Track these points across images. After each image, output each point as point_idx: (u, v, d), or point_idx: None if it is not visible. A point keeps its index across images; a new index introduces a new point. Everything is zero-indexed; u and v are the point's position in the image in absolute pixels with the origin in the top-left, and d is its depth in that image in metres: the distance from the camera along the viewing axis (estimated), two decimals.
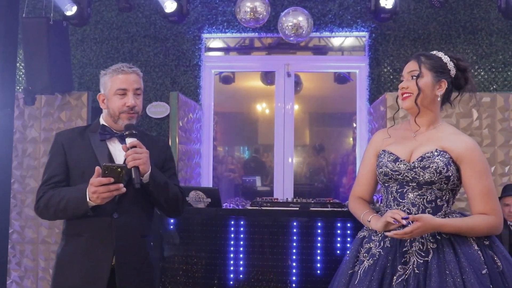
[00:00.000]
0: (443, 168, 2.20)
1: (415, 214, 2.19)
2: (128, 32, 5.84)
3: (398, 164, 2.28)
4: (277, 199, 4.46)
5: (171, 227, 3.73)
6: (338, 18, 5.65)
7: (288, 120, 5.86)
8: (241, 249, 3.66)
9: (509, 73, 5.41)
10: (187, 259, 3.68)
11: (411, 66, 2.35)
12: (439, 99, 2.33)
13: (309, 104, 8.68)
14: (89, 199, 2.15)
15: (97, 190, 2.10)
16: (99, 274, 2.26)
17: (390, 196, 2.33)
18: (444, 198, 2.25)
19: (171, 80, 5.77)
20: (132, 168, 2.17)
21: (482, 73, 5.44)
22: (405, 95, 2.33)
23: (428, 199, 2.24)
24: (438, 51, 2.38)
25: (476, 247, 2.14)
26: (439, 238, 2.17)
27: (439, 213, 2.21)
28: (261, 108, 8.95)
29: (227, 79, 6.80)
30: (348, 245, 3.44)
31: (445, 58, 2.34)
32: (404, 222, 2.10)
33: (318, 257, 3.59)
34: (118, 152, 2.36)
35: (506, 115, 4.95)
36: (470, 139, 2.30)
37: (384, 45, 5.59)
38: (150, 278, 2.45)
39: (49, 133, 5.22)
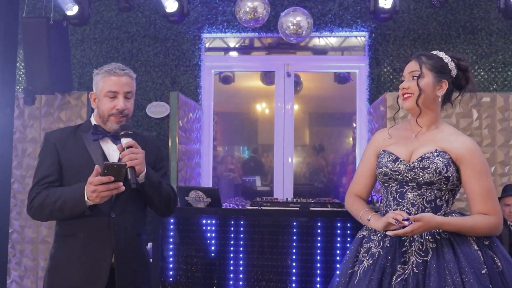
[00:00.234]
0: (443, 169, 2.20)
1: (414, 213, 2.20)
2: (128, 32, 5.84)
3: (398, 164, 2.29)
4: (277, 199, 4.47)
5: (171, 226, 3.73)
6: (338, 18, 5.66)
7: (288, 120, 5.87)
8: (241, 249, 3.66)
9: (509, 73, 5.42)
10: (186, 258, 3.69)
11: (412, 66, 2.35)
12: (440, 99, 2.33)
13: (309, 104, 8.69)
14: (87, 198, 2.14)
15: (96, 189, 2.09)
16: (98, 274, 2.27)
17: (389, 196, 2.33)
18: (443, 198, 2.26)
19: (171, 80, 5.78)
20: (128, 168, 2.17)
21: (482, 73, 5.45)
22: (406, 95, 2.33)
23: (427, 199, 2.24)
24: (439, 51, 2.38)
25: (475, 247, 2.14)
26: (439, 238, 2.17)
27: (439, 213, 2.22)
28: (261, 108, 8.96)
29: (227, 79, 6.80)
30: (348, 245, 3.44)
31: (446, 58, 2.34)
32: (406, 223, 2.10)
33: (318, 257, 3.59)
34: (111, 151, 2.37)
35: (506, 115, 4.95)
36: (470, 139, 2.30)
37: (384, 45, 5.60)
38: (146, 275, 2.49)
39: None
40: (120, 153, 2.23)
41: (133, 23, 5.83)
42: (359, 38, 5.96)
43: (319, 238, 3.60)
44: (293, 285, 3.59)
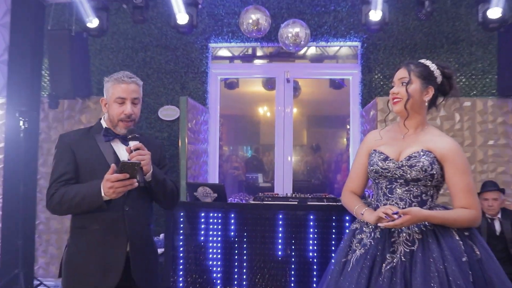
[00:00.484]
0: (428, 167, 2.21)
1: (403, 207, 2.22)
2: (142, 42, 5.85)
3: (388, 163, 2.30)
4: (277, 194, 4.47)
5: (181, 219, 3.74)
6: (333, 29, 5.66)
7: (287, 122, 5.87)
8: (245, 239, 3.67)
9: (487, 80, 5.42)
10: (195, 248, 3.70)
11: (402, 73, 2.35)
12: (426, 104, 2.34)
13: (306, 107, 8.69)
14: (104, 194, 2.15)
15: (113, 185, 2.11)
16: (116, 261, 2.29)
17: (380, 191, 2.34)
18: (428, 193, 2.27)
19: (181, 86, 5.79)
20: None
21: (463, 80, 5.45)
22: (395, 100, 2.34)
23: (414, 194, 2.26)
24: (426, 60, 2.38)
25: (457, 238, 2.16)
26: (424, 229, 2.19)
27: (424, 207, 2.23)
28: (263, 111, 8.96)
29: (231, 85, 6.82)
30: (342, 236, 3.45)
31: (432, 67, 2.34)
32: (395, 217, 2.12)
33: (315, 247, 3.60)
34: (121, 151, 2.38)
35: (485, 118, 4.97)
36: (453, 140, 2.31)
37: (375, 54, 5.60)
38: (155, 260, 2.54)
39: None
40: (129, 154, 2.25)
41: (146, 34, 5.85)
42: (352, 47, 5.97)
43: (316, 230, 3.61)
44: (292, 272, 3.61)
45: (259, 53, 6.41)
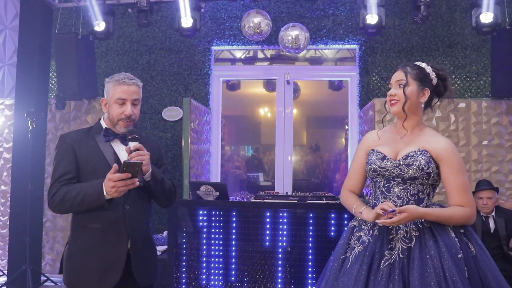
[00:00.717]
0: (425, 166, 2.21)
1: (400, 205, 2.21)
2: (146, 45, 5.86)
3: (385, 162, 2.30)
4: (278, 193, 4.47)
5: (184, 217, 3.74)
6: (332, 32, 5.67)
7: (287, 122, 5.88)
8: (246, 237, 3.67)
9: (481, 82, 5.43)
10: (197, 245, 3.70)
11: (398, 75, 2.35)
12: (422, 105, 2.34)
13: (306, 108, 8.69)
14: (106, 193, 2.15)
15: (115, 184, 2.10)
16: (117, 258, 2.29)
17: (378, 190, 2.34)
18: (425, 192, 2.27)
19: (184, 87, 5.80)
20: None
21: (458, 82, 5.46)
22: (393, 102, 2.34)
23: (411, 193, 2.26)
24: (422, 63, 2.38)
25: (453, 235, 2.16)
26: (421, 227, 2.19)
27: (421, 205, 2.23)
28: (264, 112, 8.95)
29: (233, 86, 6.83)
30: (341, 233, 3.45)
31: (428, 69, 2.34)
32: (391, 215, 2.12)
33: (314, 244, 3.60)
34: (121, 151, 2.37)
35: (479, 119, 4.97)
36: (448, 140, 2.31)
37: (372, 57, 5.61)
38: (154, 257, 2.54)
39: None
40: (128, 155, 2.24)
41: (150, 37, 5.86)
42: (350, 50, 5.97)
43: (315, 228, 3.61)
44: (292, 269, 3.60)
45: (260, 55, 6.41)
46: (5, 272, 5.16)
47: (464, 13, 5.44)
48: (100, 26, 4.97)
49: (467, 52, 5.46)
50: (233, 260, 3.66)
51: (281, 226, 3.62)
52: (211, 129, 5.82)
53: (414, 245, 2.14)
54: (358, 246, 2.25)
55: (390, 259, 2.14)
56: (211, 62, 5.87)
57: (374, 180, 2.36)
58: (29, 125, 4.76)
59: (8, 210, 5.32)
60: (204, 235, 3.68)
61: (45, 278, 5.04)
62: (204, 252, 3.66)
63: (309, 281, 3.57)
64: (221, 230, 3.69)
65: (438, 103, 2.43)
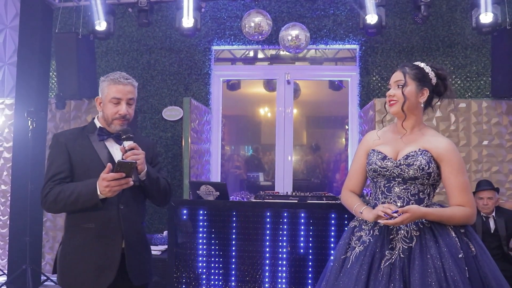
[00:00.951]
0: (425, 166, 2.21)
1: (400, 205, 2.21)
2: (147, 44, 5.86)
3: (386, 162, 2.30)
4: (278, 192, 4.47)
5: (185, 217, 3.74)
6: (332, 32, 5.67)
7: (287, 122, 5.88)
8: (246, 236, 3.67)
9: (481, 82, 5.43)
10: (197, 245, 3.70)
11: (397, 76, 2.35)
12: (422, 105, 2.34)
13: (306, 108, 8.69)
14: (100, 193, 2.13)
15: (109, 184, 2.09)
16: (112, 258, 2.28)
17: (378, 190, 2.34)
18: (425, 192, 2.27)
19: (184, 87, 5.80)
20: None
21: (458, 82, 5.46)
22: (391, 102, 2.34)
23: (412, 193, 2.25)
24: (421, 62, 2.38)
25: (453, 235, 2.16)
26: (422, 226, 2.19)
27: (422, 205, 2.23)
28: (264, 112, 8.95)
29: (233, 86, 6.83)
30: (341, 233, 3.45)
31: (427, 69, 2.34)
32: (395, 215, 2.12)
33: (314, 244, 3.60)
34: (115, 150, 2.36)
35: (480, 119, 4.97)
36: (448, 140, 2.31)
37: (373, 57, 5.61)
38: (148, 256, 2.52)
39: None
40: (123, 154, 2.23)
41: (151, 37, 5.86)
42: (351, 50, 5.97)
43: (315, 228, 3.60)
44: (292, 269, 3.60)
45: (260, 55, 6.42)
46: (5, 271, 5.16)
47: (464, 13, 5.44)
48: (101, 25, 4.96)
49: (467, 52, 5.47)
50: (233, 260, 3.65)
51: (281, 226, 3.62)
52: (211, 129, 5.82)
53: (415, 245, 2.14)
54: (359, 246, 2.24)
55: (390, 259, 2.14)
56: (212, 62, 5.87)
57: (375, 180, 2.36)
58: (29, 124, 4.76)
59: (8, 210, 5.32)
60: (204, 235, 3.68)
61: (45, 278, 5.04)
62: (204, 252, 3.66)
63: (309, 281, 3.57)
64: (221, 230, 3.69)
65: (439, 103, 2.43)
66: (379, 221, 2.19)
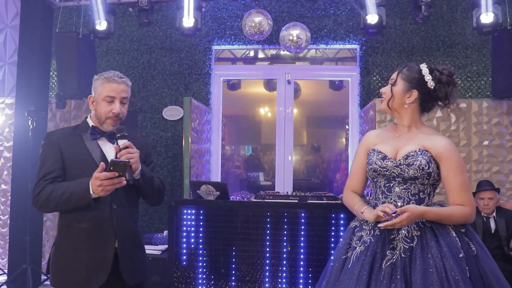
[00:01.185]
0: (425, 165, 2.21)
1: (400, 205, 2.21)
2: (147, 44, 5.86)
3: (386, 162, 2.30)
4: (278, 192, 4.47)
5: (184, 217, 3.74)
6: (333, 32, 5.67)
7: (288, 122, 5.88)
8: (246, 236, 3.67)
9: (482, 82, 5.43)
10: (198, 245, 3.70)
11: (393, 75, 2.40)
12: (406, 105, 2.33)
13: (307, 108, 8.70)
14: (92, 192, 2.13)
15: (102, 183, 2.08)
16: (105, 258, 2.27)
17: (378, 190, 2.34)
18: (426, 192, 2.27)
19: (185, 87, 5.80)
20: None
21: (459, 82, 5.45)
22: (382, 98, 2.42)
23: (412, 193, 2.26)
24: (424, 64, 2.34)
25: (454, 234, 2.16)
26: (422, 226, 2.19)
27: (422, 205, 2.23)
28: (264, 111, 8.96)
29: (234, 86, 6.82)
30: (341, 233, 3.45)
31: (425, 71, 2.31)
32: (393, 215, 2.12)
33: (315, 244, 3.60)
34: (108, 149, 2.35)
35: (480, 119, 4.97)
36: (447, 139, 2.31)
37: (373, 57, 5.61)
38: (143, 256, 2.51)
39: None
40: (117, 153, 2.22)
41: (151, 37, 5.86)
42: (351, 50, 5.97)
43: (315, 227, 3.61)
44: (292, 269, 3.61)
45: (260, 55, 6.42)
46: (6, 271, 5.17)
47: (465, 13, 5.44)
48: (101, 25, 4.96)
49: (468, 52, 5.47)
50: (233, 260, 3.66)
51: (281, 226, 3.62)
52: (212, 129, 5.82)
53: (416, 245, 2.14)
54: (360, 246, 2.24)
55: (392, 259, 2.14)
56: (212, 62, 5.87)
57: (375, 180, 2.36)
58: (29, 124, 4.77)
59: (9, 209, 5.32)
60: (205, 235, 3.68)
61: (45, 277, 5.04)
62: (205, 252, 3.66)
63: (310, 281, 3.57)
64: (222, 230, 3.69)
65: (445, 107, 2.40)
66: (379, 225, 2.19)
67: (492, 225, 4.22)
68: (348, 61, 6.11)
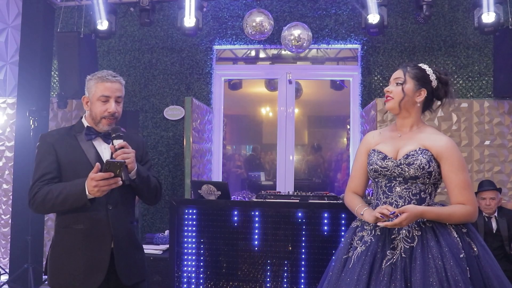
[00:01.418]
0: (426, 165, 2.21)
1: (402, 205, 2.21)
2: (148, 44, 5.86)
3: (386, 162, 2.30)
4: (279, 192, 4.46)
5: (186, 216, 3.74)
6: (334, 32, 5.67)
7: (289, 122, 5.88)
8: (247, 236, 3.67)
9: (483, 82, 5.42)
10: (199, 245, 3.70)
11: (397, 74, 2.37)
12: (418, 105, 2.34)
13: (308, 108, 8.69)
14: (88, 192, 2.12)
15: (98, 184, 2.08)
16: (101, 259, 2.27)
17: (379, 190, 2.34)
18: (427, 191, 2.27)
19: (186, 87, 5.80)
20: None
21: (460, 82, 5.45)
22: (388, 98, 2.37)
23: (413, 192, 2.25)
24: (424, 64, 2.39)
25: (455, 234, 2.15)
26: (423, 226, 2.19)
27: (423, 204, 2.23)
28: (265, 111, 8.96)
29: (235, 86, 6.83)
30: (342, 233, 3.45)
31: (428, 70, 2.35)
32: (392, 216, 2.12)
33: (316, 244, 3.60)
34: (103, 150, 2.35)
35: (482, 119, 4.96)
36: (448, 138, 2.31)
37: (374, 56, 5.61)
38: (141, 256, 2.50)
39: None
40: (113, 153, 2.22)
41: (152, 36, 5.86)
42: (352, 49, 5.97)
43: (316, 227, 3.61)
44: (293, 269, 3.61)
45: (262, 55, 6.42)
46: (7, 270, 5.17)
47: (466, 13, 5.44)
48: (103, 25, 4.97)
49: (469, 52, 5.46)
50: (235, 260, 3.66)
51: (282, 226, 3.62)
52: (213, 128, 5.82)
53: (416, 245, 2.14)
54: (361, 246, 2.25)
55: (392, 259, 2.14)
56: (213, 61, 5.87)
57: (376, 180, 2.36)
58: (31, 123, 4.77)
59: (10, 209, 5.33)
60: (206, 234, 3.68)
61: (46, 277, 5.05)
62: (206, 251, 3.66)
63: (311, 281, 3.57)
64: (223, 230, 3.69)
65: (440, 106, 2.43)
66: (378, 223, 2.19)
67: (494, 225, 4.22)
68: (349, 60, 6.11)
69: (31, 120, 4.76)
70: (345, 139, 8.15)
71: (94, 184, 2.08)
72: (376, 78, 5.60)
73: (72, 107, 5.60)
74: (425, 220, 2.19)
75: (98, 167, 2.09)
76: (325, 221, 3.59)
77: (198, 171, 5.04)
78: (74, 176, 2.23)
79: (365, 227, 2.32)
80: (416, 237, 2.16)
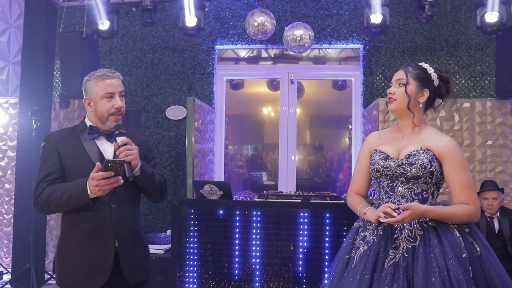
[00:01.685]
0: (428, 164, 2.21)
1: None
2: (150, 44, 5.87)
3: (388, 162, 2.30)
4: (281, 192, 4.46)
5: (188, 216, 3.75)
6: (336, 31, 5.66)
7: (291, 122, 5.88)
8: (249, 236, 3.67)
9: (486, 82, 5.41)
10: (201, 244, 3.70)
11: (399, 75, 2.37)
12: (421, 105, 2.34)
13: (310, 108, 8.67)
14: (90, 192, 2.12)
15: (99, 183, 2.08)
16: (105, 257, 2.28)
17: (382, 190, 2.34)
18: (429, 191, 2.27)
19: (188, 86, 5.80)
20: (125, 164, 2.16)
21: (462, 82, 5.44)
22: (390, 99, 2.37)
23: (415, 192, 2.25)
24: (424, 63, 2.39)
25: (457, 234, 2.15)
26: (426, 226, 2.19)
27: (426, 204, 2.23)
28: (267, 111, 8.94)
29: (237, 86, 6.82)
30: (344, 233, 3.45)
31: (430, 70, 2.35)
32: (395, 214, 2.12)
33: (317, 244, 3.60)
34: (106, 148, 2.35)
35: (484, 119, 4.96)
36: (450, 138, 2.31)
37: (376, 56, 5.60)
38: (145, 255, 2.50)
39: None
40: (116, 150, 2.22)
41: (154, 36, 5.87)
42: (354, 49, 5.96)
43: (318, 227, 3.61)
44: (295, 268, 3.61)
45: (264, 55, 6.41)
46: (9, 270, 5.18)
47: (468, 13, 5.43)
48: (104, 25, 4.97)
49: (471, 51, 5.45)
50: (236, 259, 3.66)
51: (284, 226, 3.63)
52: (215, 128, 5.82)
53: (419, 245, 2.14)
54: (363, 246, 2.25)
55: (394, 258, 2.14)
56: (215, 61, 5.87)
57: (378, 180, 2.36)
58: (33, 123, 4.78)
59: (12, 208, 5.33)
60: (208, 234, 3.68)
61: (49, 276, 5.06)
62: (208, 251, 3.66)
63: (311, 281, 3.57)
64: (224, 229, 3.70)
65: (442, 103, 2.44)
66: (381, 220, 2.19)
67: (496, 225, 4.21)
68: (352, 60, 6.10)
69: (33, 120, 4.77)
70: (347, 139, 8.14)
71: (95, 183, 2.09)
72: (378, 78, 5.59)
73: (74, 107, 5.61)
74: (427, 219, 2.19)
75: (99, 166, 2.09)
76: (327, 221, 3.60)
77: (200, 171, 5.04)
78: (77, 176, 2.24)
79: (368, 227, 2.32)
80: (419, 237, 2.16)
